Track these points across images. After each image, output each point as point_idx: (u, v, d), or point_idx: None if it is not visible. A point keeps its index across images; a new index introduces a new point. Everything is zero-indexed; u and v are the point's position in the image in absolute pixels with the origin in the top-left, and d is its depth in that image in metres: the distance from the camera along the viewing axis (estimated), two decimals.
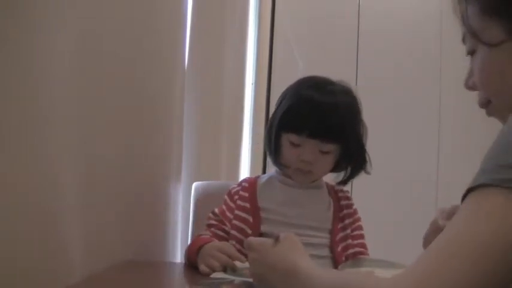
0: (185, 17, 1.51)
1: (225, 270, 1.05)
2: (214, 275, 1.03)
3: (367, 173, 1.21)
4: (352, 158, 1.18)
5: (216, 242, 1.13)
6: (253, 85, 2.71)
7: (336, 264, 1.16)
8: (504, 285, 0.51)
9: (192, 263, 1.12)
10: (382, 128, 2.90)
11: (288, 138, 1.15)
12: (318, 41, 3.01)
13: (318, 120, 1.11)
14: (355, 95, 1.19)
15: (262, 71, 2.87)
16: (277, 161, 1.20)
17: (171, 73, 1.40)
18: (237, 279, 0.98)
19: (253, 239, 0.92)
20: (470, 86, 0.75)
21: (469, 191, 0.55)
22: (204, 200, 1.46)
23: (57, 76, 0.84)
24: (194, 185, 1.52)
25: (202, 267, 1.06)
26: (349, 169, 1.21)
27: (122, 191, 1.13)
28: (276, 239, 0.86)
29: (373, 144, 3.21)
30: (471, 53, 0.73)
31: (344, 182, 1.23)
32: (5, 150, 0.74)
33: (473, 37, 0.71)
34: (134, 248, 1.20)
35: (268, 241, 0.88)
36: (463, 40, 0.74)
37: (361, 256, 1.21)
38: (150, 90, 1.27)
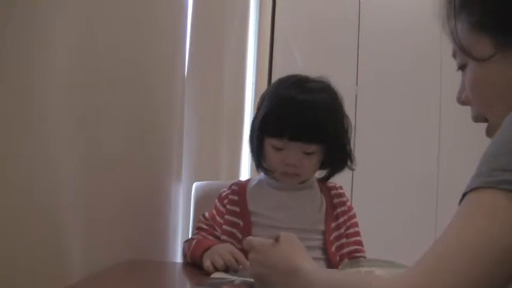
0: (185, 17, 1.51)
1: (226, 270, 1.05)
2: (215, 274, 1.03)
3: (351, 169, 1.20)
4: (336, 156, 1.17)
5: (227, 245, 1.13)
6: (253, 85, 2.71)
7: (330, 265, 1.15)
8: (503, 285, 0.52)
9: (194, 260, 1.12)
10: (382, 127, 2.90)
11: (270, 143, 1.14)
12: (318, 41, 3.01)
13: (298, 122, 1.10)
14: (334, 90, 1.18)
15: (262, 71, 2.87)
16: (261, 166, 1.20)
17: (171, 73, 1.40)
18: (237, 279, 0.98)
19: (253, 239, 0.92)
20: (463, 101, 0.76)
21: (465, 195, 0.56)
22: (204, 200, 1.46)
23: (57, 76, 0.84)
24: (194, 185, 1.52)
25: (207, 263, 1.06)
26: (333, 166, 1.20)
27: (122, 191, 1.13)
28: (276, 238, 0.86)
29: (374, 144, 3.21)
30: (462, 67, 0.74)
31: (326, 178, 1.22)
32: (4, 150, 0.74)
33: (463, 53, 0.71)
34: (134, 248, 1.20)
35: (268, 241, 0.88)
36: (454, 55, 0.75)
37: (358, 254, 1.20)
38: (150, 91, 1.27)
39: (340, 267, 0.99)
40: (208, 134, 1.83)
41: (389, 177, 2.91)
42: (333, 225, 1.20)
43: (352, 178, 2.83)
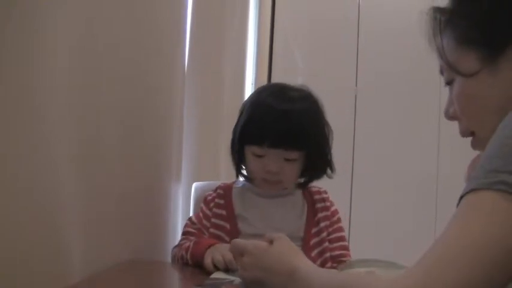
0: (185, 17, 1.51)
1: (227, 270, 1.05)
2: (215, 275, 1.03)
3: (330, 177, 1.21)
4: (316, 163, 1.18)
5: (227, 244, 1.13)
6: (253, 85, 2.71)
7: None
8: (503, 285, 0.52)
9: (195, 260, 1.12)
10: (381, 128, 2.90)
11: (251, 150, 1.15)
12: (318, 41, 3.01)
13: (278, 129, 1.11)
14: (315, 99, 1.19)
15: (262, 71, 2.87)
16: (241, 173, 1.21)
17: (171, 73, 1.40)
18: (237, 280, 0.98)
19: (244, 242, 0.91)
20: (451, 116, 0.76)
21: (462, 198, 0.56)
22: None
23: (57, 76, 0.84)
24: (194, 185, 1.52)
25: (208, 260, 1.07)
26: (312, 173, 1.21)
27: (121, 191, 1.13)
28: (270, 241, 0.86)
29: (373, 144, 3.20)
30: (449, 83, 0.74)
31: (303, 186, 1.23)
32: (4, 150, 0.74)
33: (450, 69, 0.72)
34: (134, 248, 1.20)
35: (261, 243, 0.87)
36: (441, 72, 0.76)
37: (343, 259, 1.19)
38: (150, 90, 1.27)
39: (339, 267, 0.99)
40: (208, 134, 1.83)
41: (389, 177, 2.91)
42: (314, 230, 1.20)
43: (352, 178, 2.83)
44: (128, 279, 1.03)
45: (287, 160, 1.14)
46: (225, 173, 2.05)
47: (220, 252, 1.07)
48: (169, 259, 1.41)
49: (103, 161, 1.04)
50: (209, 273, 1.04)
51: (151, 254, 1.30)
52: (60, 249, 0.87)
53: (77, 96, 0.92)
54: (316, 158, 1.17)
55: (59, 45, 0.84)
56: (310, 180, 1.22)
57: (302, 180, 1.23)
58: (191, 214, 1.50)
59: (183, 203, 1.56)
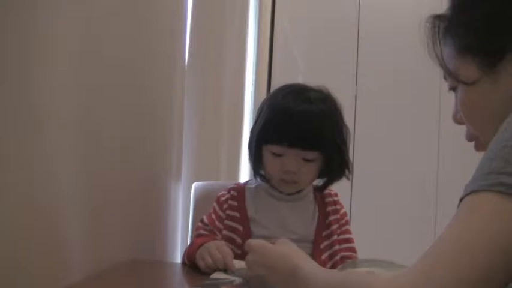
0: (185, 17, 1.51)
1: (225, 270, 1.05)
2: (214, 275, 1.03)
3: (348, 178, 1.21)
4: (333, 164, 1.18)
5: (218, 242, 1.13)
6: (253, 85, 2.71)
7: None
8: (503, 286, 0.52)
9: (191, 260, 1.12)
10: (381, 127, 2.90)
11: (269, 150, 1.15)
12: (318, 41, 3.01)
13: (298, 128, 1.11)
14: (334, 101, 1.19)
15: (262, 71, 2.87)
16: (259, 173, 1.20)
17: (171, 73, 1.40)
18: (237, 280, 0.98)
19: (251, 241, 0.92)
20: (458, 120, 0.77)
21: (462, 200, 0.56)
22: (203, 200, 1.46)
23: (57, 76, 0.85)
24: (194, 185, 1.52)
25: (201, 264, 1.07)
26: (331, 175, 1.21)
27: (122, 191, 1.13)
28: (273, 243, 0.87)
29: (373, 144, 3.20)
30: (453, 89, 0.74)
31: (323, 188, 1.23)
32: (4, 150, 0.74)
33: (451, 77, 0.72)
34: (134, 248, 1.20)
35: (266, 243, 0.88)
36: (445, 77, 0.76)
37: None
38: (150, 90, 1.27)
39: (339, 267, 0.99)
40: (208, 134, 1.83)
41: (388, 177, 2.91)
42: (324, 234, 1.20)
43: (352, 179, 2.83)
44: (128, 279, 1.03)
45: (305, 160, 1.14)
46: (225, 173, 2.06)
47: (208, 252, 1.07)
48: (169, 259, 1.41)
49: (103, 161, 1.04)
50: (209, 273, 1.05)
51: (151, 254, 1.30)
52: (60, 249, 0.87)
53: (76, 96, 0.92)
54: (335, 160, 1.17)
55: (59, 46, 0.85)
56: (330, 182, 1.22)
57: (320, 182, 1.22)
58: (191, 214, 1.50)
59: (183, 203, 1.56)
